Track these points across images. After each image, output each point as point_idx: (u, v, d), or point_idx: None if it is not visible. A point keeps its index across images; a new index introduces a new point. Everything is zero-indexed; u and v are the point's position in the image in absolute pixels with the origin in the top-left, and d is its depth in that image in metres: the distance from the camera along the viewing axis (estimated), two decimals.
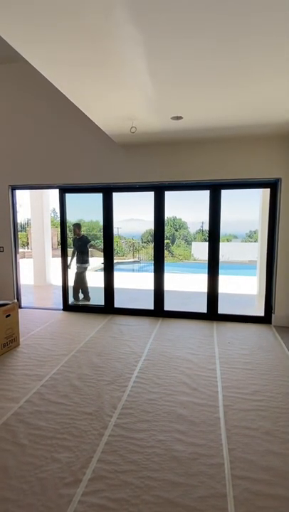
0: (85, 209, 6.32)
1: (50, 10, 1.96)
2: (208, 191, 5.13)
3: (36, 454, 2.16)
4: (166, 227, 5.52)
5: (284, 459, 2.13)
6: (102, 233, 5.60)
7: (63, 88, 3.06)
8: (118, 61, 2.55)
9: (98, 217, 5.94)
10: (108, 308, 5.63)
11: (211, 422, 2.54)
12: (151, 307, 5.51)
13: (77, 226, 6.41)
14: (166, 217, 5.46)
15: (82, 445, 2.25)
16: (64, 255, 5.78)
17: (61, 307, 5.88)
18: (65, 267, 5.78)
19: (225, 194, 5.12)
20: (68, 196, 5.66)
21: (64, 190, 5.61)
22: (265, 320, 5.14)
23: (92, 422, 2.51)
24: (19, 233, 7.06)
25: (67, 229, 5.87)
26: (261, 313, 5.25)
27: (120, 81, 2.89)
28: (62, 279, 5.80)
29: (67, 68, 2.69)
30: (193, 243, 22.97)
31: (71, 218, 5.81)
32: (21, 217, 18.27)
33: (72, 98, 3.29)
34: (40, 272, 8.48)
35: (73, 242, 6.43)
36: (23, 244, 18.24)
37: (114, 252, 5.66)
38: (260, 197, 7.12)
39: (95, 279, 6.85)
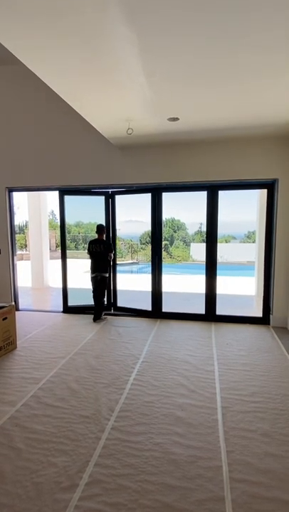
0: (84, 210, 6.29)
1: (46, 11, 1.96)
2: (206, 192, 5.13)
3: (32, 459, 2.14)
4: (164, 229, 5.54)
5: (282, 461, 2.12)
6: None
7: (58, 89, 3.05)
8: (114, 62, 2.55)
9: (96, 219, 5.93)
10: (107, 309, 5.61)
11: (209, 424, 2.52)
12: (150, 308, 5.50)
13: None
14: (164, 219, 5.48)
15: (79, 449, 2.23)
16: (64, 257, 5.75)
17: (60, 309, 5.87)
18: (65, 269, 5.74)
19: (223, 195, 5.13)
20: (66, 198, 5.66)
21: (64, 192, 5.60)
22: (263, 321, 5.13)
23: (89, 426, 2.49)
24: (17, 235, 7.03)
25: (66, 230, 5.85)
26: (259, 314, 5.24)
27: (117, 83, 2.89)
28: (63, 281, 5.76)
29: (62, 70, 2.68)
30: (191, 244, 22.97)
31: (70, 220, 5.81)
32: (20, 220, 18.25)
33: (68, 100, 3.28)
34: (38, 274, 8.45)
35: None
36: (22, 247, 18.21)
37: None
38: (257, 197, 7.13)
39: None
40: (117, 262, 5.90)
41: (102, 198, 5.67)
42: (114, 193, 5.61)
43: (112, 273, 5.76)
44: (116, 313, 5.69)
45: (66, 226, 5.86)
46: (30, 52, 2.43)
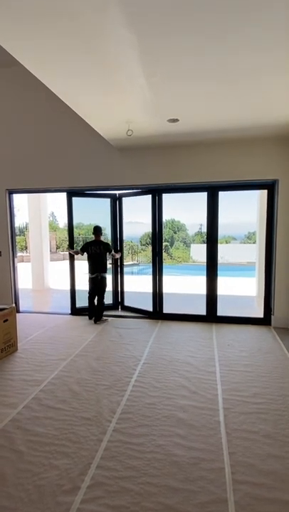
0: (85, 212, 6.27)
1: (46, 11, 1.96)
2: (206, 193, 5.12)
3: (34, 461, 2.13)
4: (164, 230, 5.58)
5: (284, 463, 2.10)
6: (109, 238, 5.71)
7: (57, 90, 3.05)
8: (114, 63, 2.55)
9: (96, 221, 5.94)
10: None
11: (211, 425, 2.51)
12: (151, 310, 5.49)
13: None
14: (164, 220, 5.49)
15: (80, 451, 2.22)
16: (72, 258, 5.71)
17: (62, 311, 5.86)
18: (73, 271, 5.70)
19: (223, 196, 5.12)
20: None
21: (71, 194, 5.60)
22: (264, 321, 5.11)
23: (90, 428, 2.48)
24: (18, 237, 7.01)
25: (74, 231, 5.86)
26: (260, 314, 5.22)
27: (116, 84, 2.89)
28: (71, 283, 5.72)
29: (61, 71, 2.68)
30: (192, 245, 22.94)
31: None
32: (20, 221, 18.28)
33: (67, 101, 3.28)
34: (38, 276, 8.44)
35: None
36: (22, 249, 18.20)
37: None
38: (258, 198, 7.12)
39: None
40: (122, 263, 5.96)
41: (105, 200, 5.75)
42: (121, 196, 5.70)
43: (120, 273, 5.92)
44: (119, 314, 5.68)
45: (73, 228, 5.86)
46: (29, 53, 2.43)
